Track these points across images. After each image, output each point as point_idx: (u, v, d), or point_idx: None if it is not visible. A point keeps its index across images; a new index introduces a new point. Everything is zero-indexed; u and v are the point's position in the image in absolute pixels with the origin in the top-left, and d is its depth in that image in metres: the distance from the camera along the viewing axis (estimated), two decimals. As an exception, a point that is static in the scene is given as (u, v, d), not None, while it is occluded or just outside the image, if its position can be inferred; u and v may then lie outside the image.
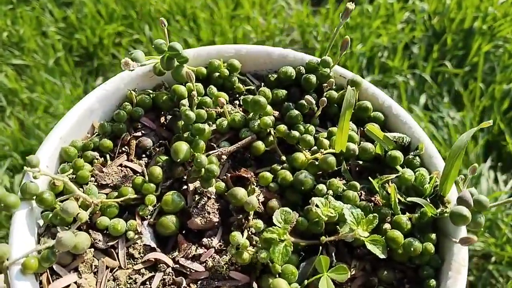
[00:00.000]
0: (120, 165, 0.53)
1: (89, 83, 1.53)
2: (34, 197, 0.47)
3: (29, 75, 1.51)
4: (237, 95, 0.60)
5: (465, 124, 1.38)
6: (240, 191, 0.50)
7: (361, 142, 0.54)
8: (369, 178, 0.51)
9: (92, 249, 0.47)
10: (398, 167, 0.52)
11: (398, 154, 0.52)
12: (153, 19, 1.69)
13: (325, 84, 0.58)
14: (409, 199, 0.48)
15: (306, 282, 0.45)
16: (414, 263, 0.48)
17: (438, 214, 0.48)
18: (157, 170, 0.51)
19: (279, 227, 0.46)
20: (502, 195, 1.27)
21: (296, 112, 0.56)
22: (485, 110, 1.44)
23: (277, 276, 0.45)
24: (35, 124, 1.37)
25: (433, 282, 0.47)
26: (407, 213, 0.49)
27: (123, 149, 0.55)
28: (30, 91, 1.46)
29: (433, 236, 0.48)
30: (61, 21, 1.71)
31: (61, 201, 0.48)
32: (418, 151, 0.53)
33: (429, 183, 0.51)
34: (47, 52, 1.57)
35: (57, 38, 1.63)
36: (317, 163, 0.52)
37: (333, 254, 0.47)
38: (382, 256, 0.46)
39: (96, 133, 0.56)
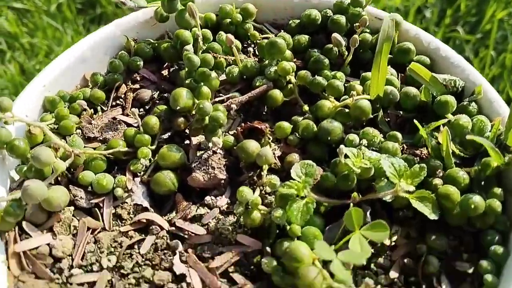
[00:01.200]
0: (113, 118, 0.45)
1: (91, 31, 1.43)
2: (5, 146, 0.40)
3: (30, 20, 1.47)
4: (252, 44, 0.52)
5: (474, 92, 1.29)
6: (252, 144, 0.41)
7: (403, 88, 0.45)
8: (413, 129, 0.41)
9: (72, 208, 0.39)
10: (450, 116, 0.42)
11: (450, 98, 0.42)
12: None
13: (356, 24, 0.48)
14: (468, 137, 0.37)
15: (333, 248, 0.34)
16: (474, 226, 0.37)
17: (504, 164, 0.37)
18: (153, 120, 0.43)
19: (299, 181, 0.37)
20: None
21: (321, 56, 0.47)
22: (495, 79, 1.37)
23: (296, 239, 0.36)
24: (35, 69, 1.32)
25: (499, 249, 0.35)
26: (462, 167, 0.39)
27: (118, 102, 0.47)
28: (30, 36, 1.42)
29: (499, 191, 0.37)
30: (64, -35, 1.65)
31: (39, 153, 0.41)
32: (475, 95, 0.43)
33: (490, 131, 0.40)
34: (49, -2, 1.52)
35: (59, -16, 1.57)
36: (347, 111, 0.43)
37: (368, 213, 0.37)
38: (432, 217, 0.35)
39: (88, 86, 0.48)
